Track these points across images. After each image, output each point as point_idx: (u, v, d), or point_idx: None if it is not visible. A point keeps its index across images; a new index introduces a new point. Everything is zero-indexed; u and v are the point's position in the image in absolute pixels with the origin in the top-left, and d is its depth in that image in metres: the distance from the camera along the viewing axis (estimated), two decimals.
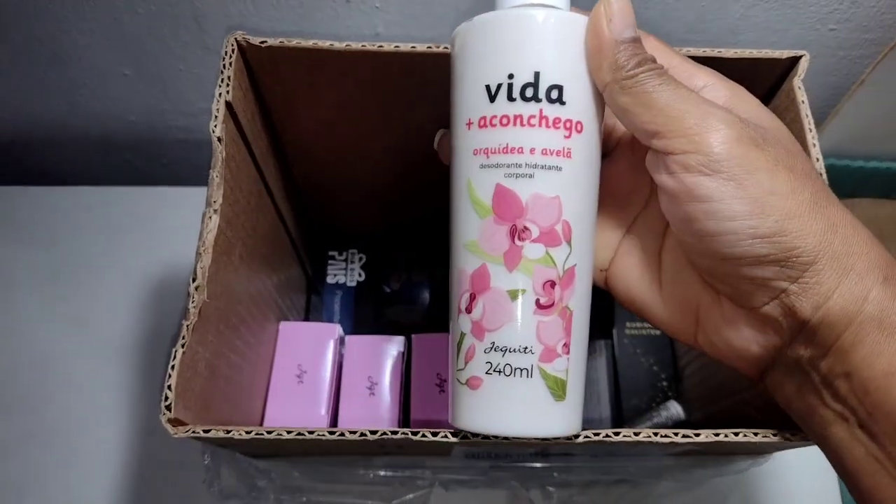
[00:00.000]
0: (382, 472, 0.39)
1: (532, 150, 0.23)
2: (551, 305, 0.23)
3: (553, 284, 0.23)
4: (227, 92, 0.30)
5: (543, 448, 0.33)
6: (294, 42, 0.31)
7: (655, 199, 0.26)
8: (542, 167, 0.23)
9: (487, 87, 0.24)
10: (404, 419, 0.39)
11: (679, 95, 0.22)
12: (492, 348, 0.23)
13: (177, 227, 0.49)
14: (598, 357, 0.48)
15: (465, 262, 0.24)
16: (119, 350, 0.50)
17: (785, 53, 0.33)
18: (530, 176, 0.23)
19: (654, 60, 0.23)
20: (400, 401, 0.41)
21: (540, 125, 0.23)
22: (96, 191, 0.57)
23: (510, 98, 0.23)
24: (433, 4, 0.46)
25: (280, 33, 0.32)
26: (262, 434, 0.25)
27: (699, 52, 0.32)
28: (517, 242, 0.23)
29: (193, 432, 0.25)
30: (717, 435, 0.26)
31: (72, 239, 0.55)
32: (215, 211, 0.28)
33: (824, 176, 0.31)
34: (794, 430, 0.26)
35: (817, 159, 0.31)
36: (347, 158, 0.42)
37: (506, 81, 0.23)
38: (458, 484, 0.42)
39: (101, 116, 0.57)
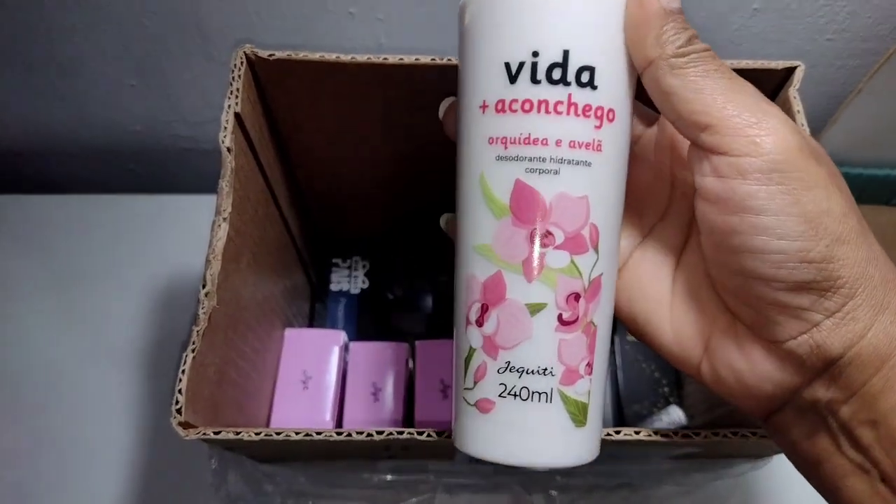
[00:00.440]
0: (387, 477, 0.39)
1: (558, 142, 0.20)
2: (575, 321, 0.21)
3: (578, 297, 0.21)
4: (237, 103, 0.30)
5: None
6: (301, 55, 0.32)
7: (676, 209, 0.24)
8: (570, 162, 0.20)
9: (507, 65, 0.20)
10: (408, 424, 0.40)
11: (737, 86, 0.20)
12: (507, 368, 0.21)
13: (182, 236, 0.50)
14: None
15: (476, 268, 0.21)
16: (125, 357, 0.50)
17: (781, 64, 0.33)
18: (555, 172, 0.20)
19: (699, 39, 0.20)
20: (404, 406, 0.41)
21: (568, 113, 0.20)
22: (103, 199, 0.58)
23: (534, 80, 0.20)
24: (435, 15, 0.46)
25: (284, 45, 0.32)
26: (270, 435, 0.25)
27: None
28: (539, 249, 0.20)
29: (204, 434, 0.25)
30: (716, 434, 0.26)
31: (79, 247, 0.55)
32: (224, 219, 0.29)
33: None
34: None
35: None
36: (352, 168, 0.43)
37: (529, 60, 0.20)
38: (461, 488, 0.42)
39: (108, 126, 0.58)
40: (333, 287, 0.52)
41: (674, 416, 0.45)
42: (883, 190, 0.56)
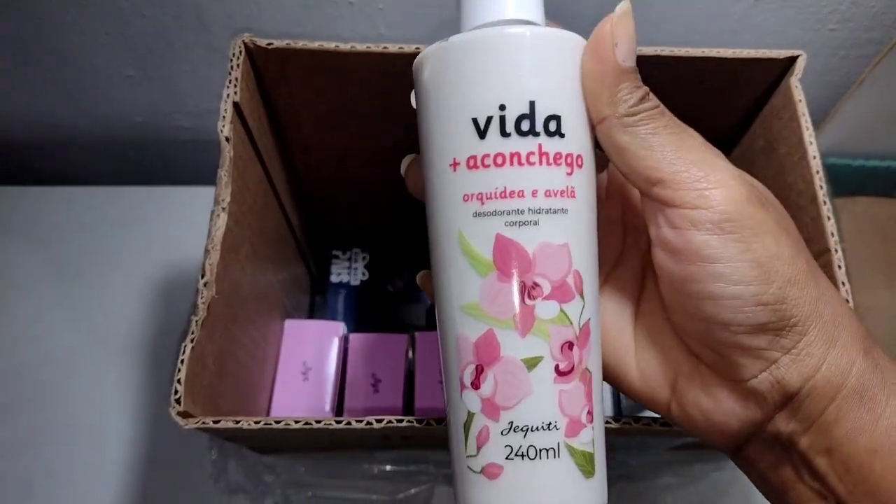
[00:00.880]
0: (387, 467, 0.39)
1: (534, 193, 0.20)
2: (571, 370, 0.21)
3: (571, 346, 0.21)
4: (235, 93, 0.30)
5: None
6: (300, 44, 0.32)
7: (629, 255, 0.25)
8: (548, 211, 0.20)
9: (475, 120, 0.20)
10: (408, 415, 0.40)
11: (684, 141, 0.21)
12: (510, 429, 0.20)
13: (182, 227, 0.50)
14: None
15: (465, 328, 0.21)
16: (125, 349, 0.50)
17: (782, 53, 0.33)
18: (535, 223, 0.20)
19: (652, 96, 0.21)
20: (404, 397, 0.41)
21: (541, 163, 0.20)
22: (102, 191, 0.58)
23: (504, 133, 0.20)
24: (435, 6, 0.46)
25: (283, 35, 0.32)
26: (270, 424, 0.25)
27: (698, 52, 0.33)
28: (528, 302, 0.20)
29: (203, 423, 0.25)
30: None
31: (78, 238, 0.55)
32: (223, 209, 0.29)
33: (821, 174, 0.31)
34: None
35: (814, 157, 0.31)
36: (351, 158, 0.43)
37: (497, 114, 0.20)
38: None
39: (107, 117, 0.58)
40: (333, 279, 0.52)
41: None
42: (885, 181, 0.56)
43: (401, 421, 0.26)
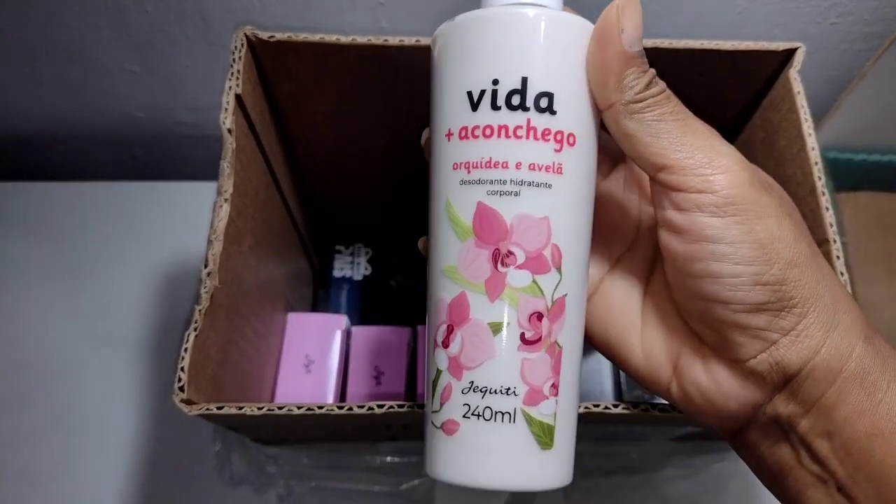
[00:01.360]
0: (389, 459, 0.39)
1: (518, 165, 0.21)
2: (538, 340, 0.21)
3: (540, 317, 0.21)
4: (237, 85, 0.30)
5: None
6: (301, 37, 0.32)
7: (642, 241, 0.26)
8: (530, 184, 0.21)
9: (469, 93, 0.21)
10: None
11: (690, 127, 0.21)
12: (470, 388, 0.21)
13: (184, 222, 0.50)
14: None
15: (444, 290, 0.22)
16: (129, 343, 0.51)
17: (782, 45, 0.33)
18: (516, 194, 0.21)
19: (658, 80, 0.22)
20: (406, 389, 0.41)
21: (527, 137, 0.21)
22: (105, 186, 0.58)
23: (494, 106, 0.21)
24: (436, 0, 0.46)
25: (285, 29, 0.32)
26: (273, 410, 0.26)
27: (698, 44, 0.33)
28: (500, 268, 0.21)
29: (207, 410, 0.25)
30: None
31: (81, 234, 0.55)
32: (226, 200, 0.29)
33: (819, 165, 0.32)
34: None
35: (813, 148, 0.32)
36: (353, 152, 0.43)
37: (490, 88, 0.21)
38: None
39: (109, 113, 0.58)
40: (336, 273, 0.52)
41: None
42: (886, 176, 0.56)
43: (402, 406, 0.26)
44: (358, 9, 0.47)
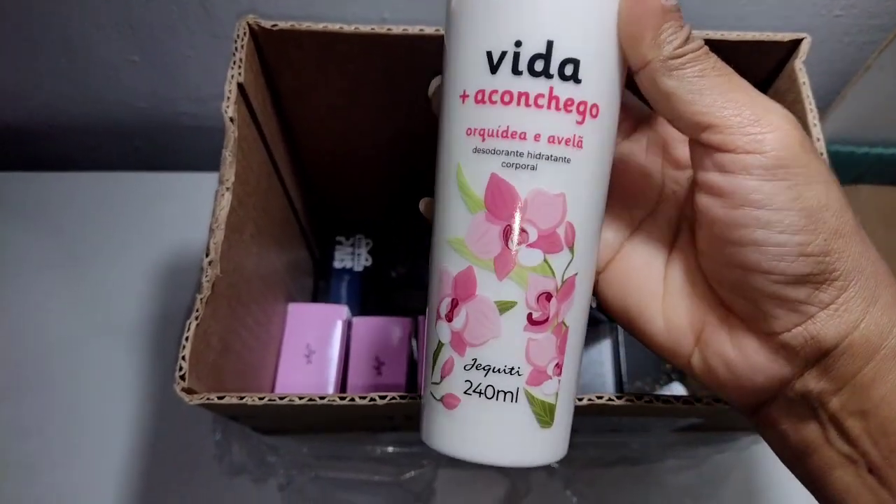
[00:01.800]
0: (390, 449, 0.39)
1: (537, 137, 0.20)
2: (545, 321, 0.20)
3: (549, 297, 0.20)
4: (240, 74, 0.30)
5: None
6: (304, 26, 0.32)
7: (666, 205, 0.25)
8: (548, 158, 0.20)
9: (489, 54, 0.20)
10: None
11: (734, 83, 0.20)
12: (473, 366, 0.21)
13: (186, 213, 0.50)
14: (603, 339, 0.49)
15: (449, 262, 0.21)
16: (130, 332, 0.51)
17: (787, 36, 0.33)
18: (532, 168, 0.20)
19: (695, 36, 0.20)
20: (407, 380, 0.41)
21: (549, 107, 0.20)
22: (106, 177, 0.58)
23: (515, 70, 0.20)
24: None
25: (287, 18, 0.32)
26: (274, 400, 0.26)
27: (702, 35, 0.32)
28: (511, 246, 0.20)
29: (207, 399, 0.25)
30: (717, 401, 0.26)
31: (82, 224, 0.55)
32: (228, 189, 0.29)
33: (825, 156, 0.31)
34: None
35: (818, 139, 0.31)
36: (355, 142, 0.43)
37: (512, 49, 0.20)
38: (464, 461, 0.43)
39: (111, 103, 0.58)
40: (337, 264, 0.52)
41: (676, 393, 0.45)
42: (889, 170, 0.56)
43: (404, 398, 0.26)
44: None
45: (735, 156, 0.19)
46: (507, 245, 0.20)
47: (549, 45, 0.19)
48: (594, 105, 0.20)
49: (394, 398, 0.26)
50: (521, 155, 0.20)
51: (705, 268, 0.22)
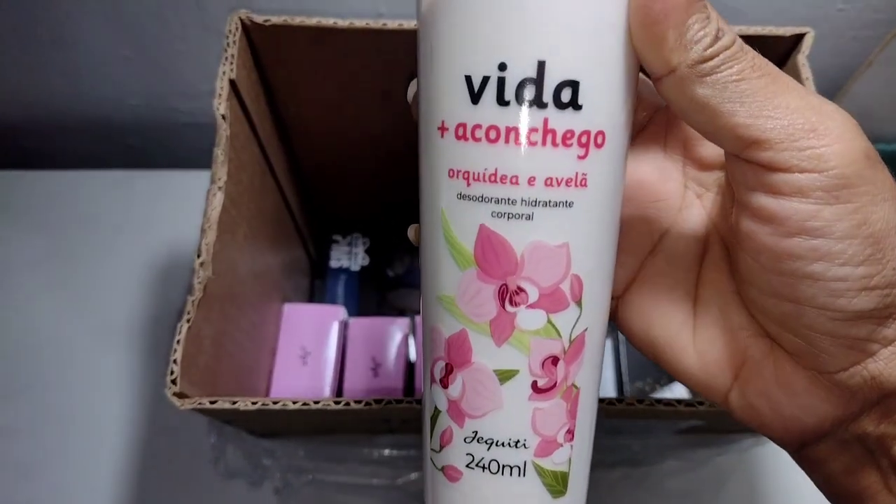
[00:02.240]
0: (386, 452, 0.39)
1: (531, 181, 0.16)
2: (552, 387, 0.18)
3: (556, 361, 0.18)
4: (231, 70, 0.30)
5: None
6: (297, 20, 0.31)
7: (689, 213, 0.21)
8: (546, 204, 0.17)
9: (468, 79, 0.16)
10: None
11: (781, 84, 0.16)
12: (474, 438, 0.18)
13: (179, 211, 0.49)
14: (604, 350, 0.48)
15: (440, 321, 0.19)
16: (123, 333, 0.50)
17: (789, 30, 0.33)
18: (528, 217, 0.17)
19: (727, 26, 0.16)
20: (404, 381, 0.41)
21: (544, 143, 0.16)
22: (99, 175, 0.57)
23: (501, 101, 0.16)
24: None
25: (281, 12, 0.32)
26: (268, 405, 0.25)
27: None
28: (509, 308, 0.17)
29: (200, 404, 0.25)
30: None
31: (75, 223, 0.55)
32: (220, 188, 0.28)
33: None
34: None
35: None
36: (351, 139, 0.42)
37: (495, 74, 0.16)
38: None
39: (103, 100, 0.57)
40: (333, 264, 0.52)
41: (677, 393, 0.45)
42: (891, 166, 0.55)
43: (400, 402, 0.25)
44: None
45: (788, 175, 0.16)
46: (503, 307, 0.17)
47: (541, 66, 0.16)
48: (599, 132, 0.17)
49: (390, 402, 0.25)
50: (514, 203, 0.17)
51: (746, 296, 0.19)
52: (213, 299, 0.28)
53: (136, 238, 0.54)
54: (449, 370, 0.18)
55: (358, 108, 0.39)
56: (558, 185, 0.17)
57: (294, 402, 0.25)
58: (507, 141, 0.16)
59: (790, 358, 0.19)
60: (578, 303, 0.18)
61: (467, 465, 0.19)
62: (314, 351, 0.41)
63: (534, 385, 0.18)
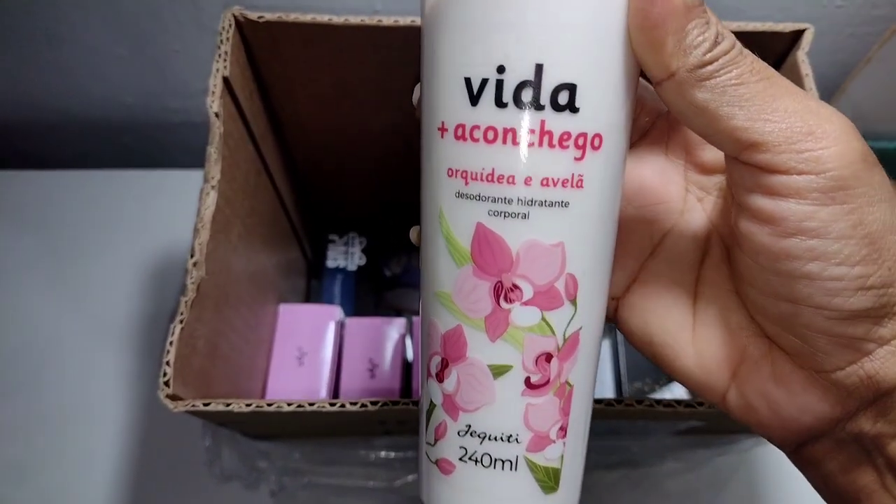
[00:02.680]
0: (383, 454, 0.39)
1: (528, 181, 0.17)
2: (545, 384, 0.19)
3: (549, 358, 0.18)
4: (225, 67, 0.29)
5: None
6: (292, 17, 0.31)
7: (690, 216, 0.22)
8: (542, 204, 0.17)
9: (468, 81, 0.17)
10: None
11: (778, 88, 0.17)
12: (467, 432, 0.19)
13: (174, 211, 0.49)
14: (602, 340, 0.48)
15: (437, 316, 0.19)
16: (118, 333, 0.50)
17: (789, 27, 0.32)
18: (524, 216, 0.17)
19: (726, 30, 0.17)
20: (401, 382, 0.41)
21: (541, 144, 0.17)
22: (94, 174, 0.57)
23: (499, 102, 0.17)
24: None
25: (275, 9, 0.31)
26: (262, 407, 0.25)
27: None
28: (503, 304, 0.18)
29: (193, 406, 0.24)
30: None
31: (69, 223, 0.54)
32: (213, 187, 0.28)
33: None
34: None
35: None
36: (346, 138, 0.42)
37: (494, 76, 0.17)
38: None
39: (98, 99, 0.56)
40: (330, 264, 0.51)
41: (676, 393, 0.45)
42: (891, 163, 0.55)
43: (396, 403, 0.25)
44: None
45: (786, 177, 0.16)
46: (498, 304, 0.18)
47: (539, 69, 0.16)
48: (596, 135, 0.17)
49: (386, 403, 0.25)
50: (511, 202, 0.17)
51: (745, 296, 0.20)
52: (206, 299, 0.28)
53: (130, 238, 0.53)
54: (444, 364, 0.19)
55: (353, 106, 0.38)
56: (554, 185, 0.17)
57: (289, 404, 0.25)
58: (504, 142, 0.17)
59: (788, 357, 0.19)
60: (573, 301, 0.18)
61: (460, 458, 0.19)
62: (310, 352, 0.41)
63: (527, 381, 0.18)
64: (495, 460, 0.19)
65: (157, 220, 0.54)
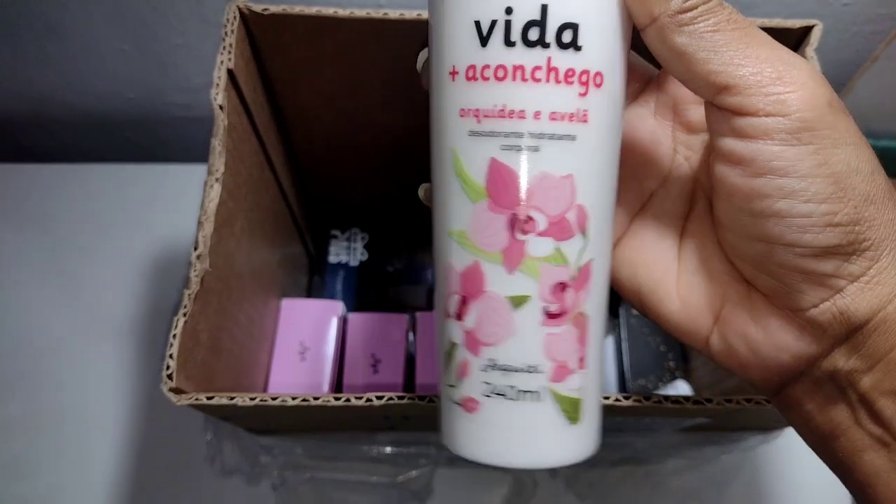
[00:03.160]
0: (387, 449, 0.38)
1: (537, 115, 0.18)
2: (563, 313, 0.19)
3: (564, 287, 0.19)
4: (229, 60, 0.29)
5: None
6: (297, 9, 0.31)
7: (678, 174, 0.23)
8: (551, 137, 0.18)
9: (477, 24, 0.18)
10: None
11: (753, 37, 0.18)
12: (491, 366, 0.19)
13: (176, 205, 0.49)
14: (606, 336, 0.48)
15: (453, 257, 0.20)
16: (119, 328, 0.49)
17: (797, 23, 0.32)
18: (535, 149, 0.18)
19: None
20: (404, 378, 0.40)
21: (548, 80, 0.18)
22: (96, 168, 0.56)
23: (508, 42, 0.18)
24: None
25: (279, 2, 0.31)
26: (266, 401, 0.24)
27: None
28: (519, 236, 0.19)
29: (196, 399, 0.24)
30: (728, 402, 0.25)
31: (71, 217, 0.54)
32: (217, 180, 0.28)
33: None
34: None
35: None
36: (350, 132, 0.41)
37: (502, 18, 0.18)
38: (462, 461, 0.41)
39: (100, 93, 0.56)
40: (332, 259, 0.51)
41: (680, 390, 0.44)
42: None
43: (402, 398, 0.25)
44: None
45: (755, 119, 0.18)
46: (514, 235, 0.19)
47: (544, 9, 0.18)
48: (598, 73, 0.18)
49: (391, 398, 0.25)
50: (522, 136, 0.18)
51: (724, 241, 0.21)
52: (209, 293, 0.28)
53: (131, 233, 0.53)
54: (463, 302, 0.20)
55: (358, 100, 0.38)
56: (562, 119, 0.18)
57: (293, 398, 0.24)
58: (514, 78, 0.18)
59: (765, 299, 0.20)
60: (584, 233, 0.19)
61: (485, 394, 0.20)
62: (313, 346, 0.40)
63: (545, 311, 0.19)
64: (520, 392, 0.19)
65: (159, 214, 0.54)
